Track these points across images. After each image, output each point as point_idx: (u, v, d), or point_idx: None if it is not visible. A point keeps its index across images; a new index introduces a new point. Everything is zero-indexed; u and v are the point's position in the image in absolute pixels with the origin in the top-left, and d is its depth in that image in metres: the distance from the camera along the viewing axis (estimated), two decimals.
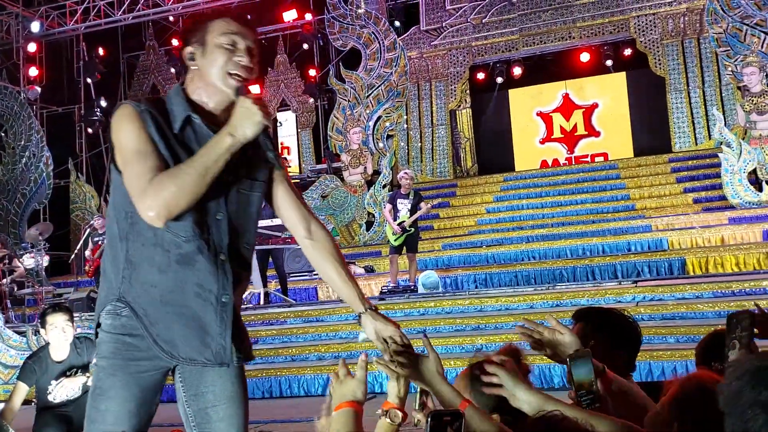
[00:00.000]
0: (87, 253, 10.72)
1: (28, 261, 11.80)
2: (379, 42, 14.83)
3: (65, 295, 12.13)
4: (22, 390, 4.81)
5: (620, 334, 2.49)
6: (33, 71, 16.31)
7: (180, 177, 1.97)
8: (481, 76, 16.60)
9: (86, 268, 10.93)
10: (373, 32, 14.89)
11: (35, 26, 16.15)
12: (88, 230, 12.51)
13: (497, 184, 14.93)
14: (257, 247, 10.29)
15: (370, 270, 11.77)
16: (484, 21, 16.04)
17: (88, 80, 16.80)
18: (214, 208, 2.09)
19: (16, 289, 11.63)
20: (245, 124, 2.02)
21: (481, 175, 16.03)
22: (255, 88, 17.93)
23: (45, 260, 12.21)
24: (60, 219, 15.12)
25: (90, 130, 16.98)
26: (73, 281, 13.45)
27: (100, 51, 17.43)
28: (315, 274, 11.72)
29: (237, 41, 2.14)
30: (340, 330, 8.46)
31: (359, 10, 14.90)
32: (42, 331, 5.02)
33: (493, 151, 16.79)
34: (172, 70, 17.59)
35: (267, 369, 7.76)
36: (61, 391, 4.82)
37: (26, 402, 4.97)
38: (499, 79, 16.22)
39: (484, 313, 8.16)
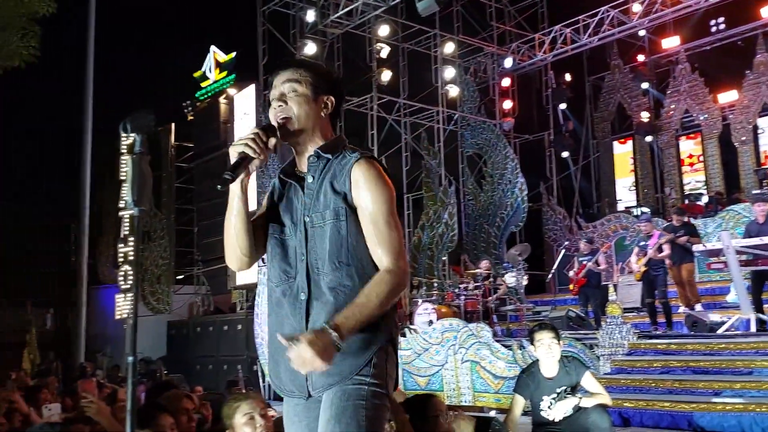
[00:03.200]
0: (571, 273, 10.92)
1: (509, 279, 12.59)
2: None
3: (543, 313, 12.61)
4: (520, 402, 5.04)
5: None
6: (507, 104, 17.59)
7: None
8: None
9: (570, 286, 11.16)
10: None
11: (508, 62, 17.40)
12: (563, 251, 12.84)
13: None
14: (749, 268, 9.22)
15: None
16: None
17: (559, 106, 17.43)
18: (298, 250, 2.26)
19: (499, 305, 12.46)
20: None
21: None
22: (730, 95, 16.43)
23: (524, 279, 12.90)
24: (534, 240, 15.86)
25: (565, 154, 17.59)
26: (549, 299, 13.90)
27: (567, 77, 17.97)
28: None
29: (271, 94, 2.33)
30: None
31: None
32: (531, 347, 5.21)
33: None
34: (644, 85, 17.14)
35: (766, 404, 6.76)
36: (557, 412, 4.90)
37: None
38: None
39: None
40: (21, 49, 12.37)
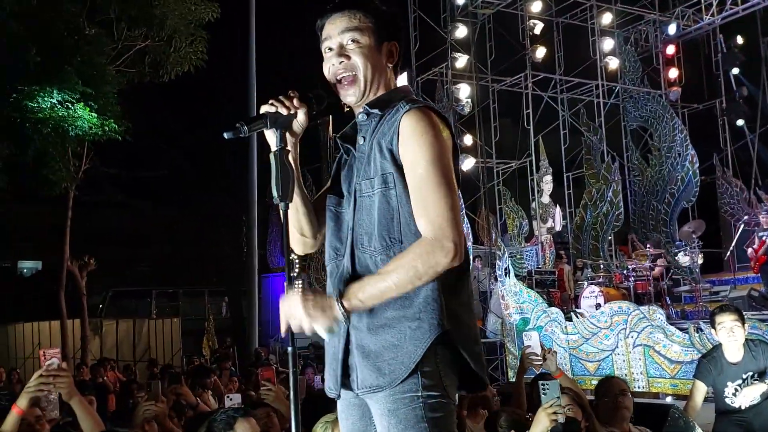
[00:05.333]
0: (749, 250, 10.08)
1: (683, 259, 11.87)
2: None
3: (722, 293, 11.78)
4: (701, 389, 4.77)
5: None
6: (672, 73, 16.55)
7: None
8: None
9: (751, 264, 10.32)
10: None
11: (672, 28, 16.34)
12: (742, 226, 11.88)
13: None
14: None
15: None
16: None
17: (731, 71, 16.16)
18: (348, 223, 1.93)
19: (672, 286, 11.79)
20: None
21: None
22: None
23: (699, 258, 12.09)
24: (708, 215, 14.86)
25: (740, 122, 16.30)
26: (728, 278, 12.94)
27: (738, 39, 16.59)
28: None
29: (325, 44, 2.01)
30: None
31: None
32: (712, 331, 4.91)
33: None
34: None
35: None
36: (743, 399, 4.60)
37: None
38: None
39: None
40: (190, 54, 13.26)
